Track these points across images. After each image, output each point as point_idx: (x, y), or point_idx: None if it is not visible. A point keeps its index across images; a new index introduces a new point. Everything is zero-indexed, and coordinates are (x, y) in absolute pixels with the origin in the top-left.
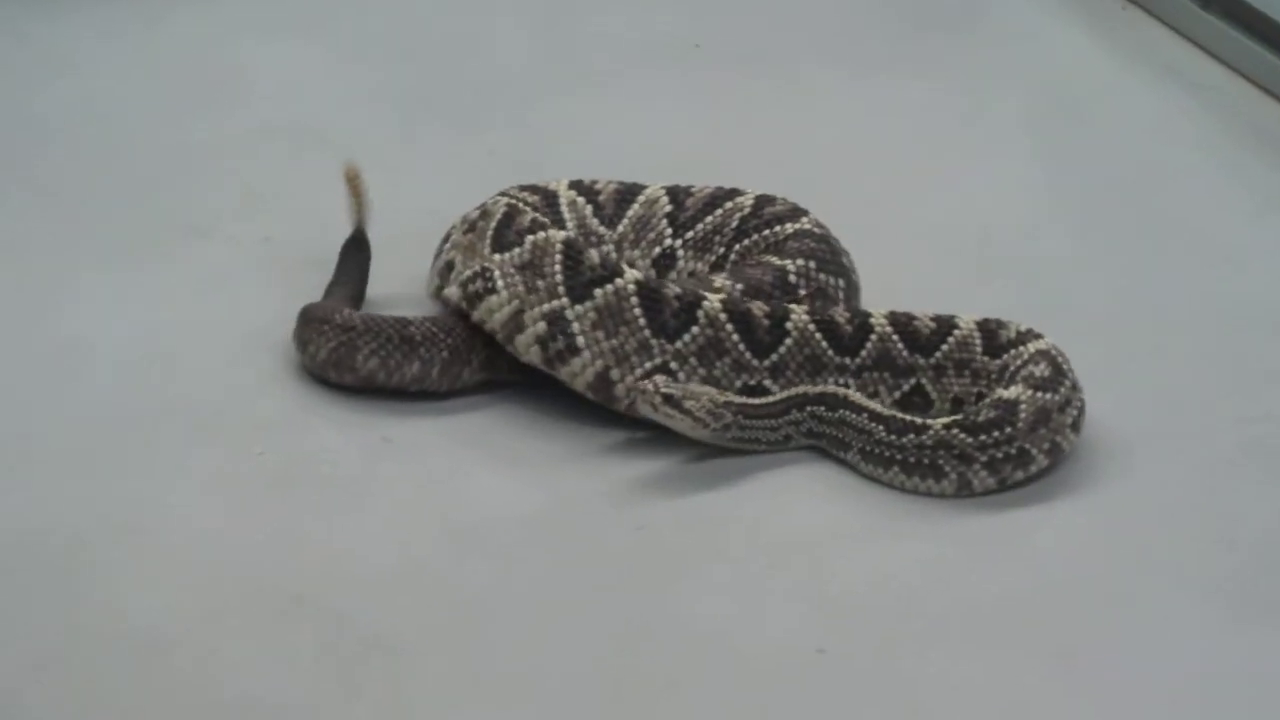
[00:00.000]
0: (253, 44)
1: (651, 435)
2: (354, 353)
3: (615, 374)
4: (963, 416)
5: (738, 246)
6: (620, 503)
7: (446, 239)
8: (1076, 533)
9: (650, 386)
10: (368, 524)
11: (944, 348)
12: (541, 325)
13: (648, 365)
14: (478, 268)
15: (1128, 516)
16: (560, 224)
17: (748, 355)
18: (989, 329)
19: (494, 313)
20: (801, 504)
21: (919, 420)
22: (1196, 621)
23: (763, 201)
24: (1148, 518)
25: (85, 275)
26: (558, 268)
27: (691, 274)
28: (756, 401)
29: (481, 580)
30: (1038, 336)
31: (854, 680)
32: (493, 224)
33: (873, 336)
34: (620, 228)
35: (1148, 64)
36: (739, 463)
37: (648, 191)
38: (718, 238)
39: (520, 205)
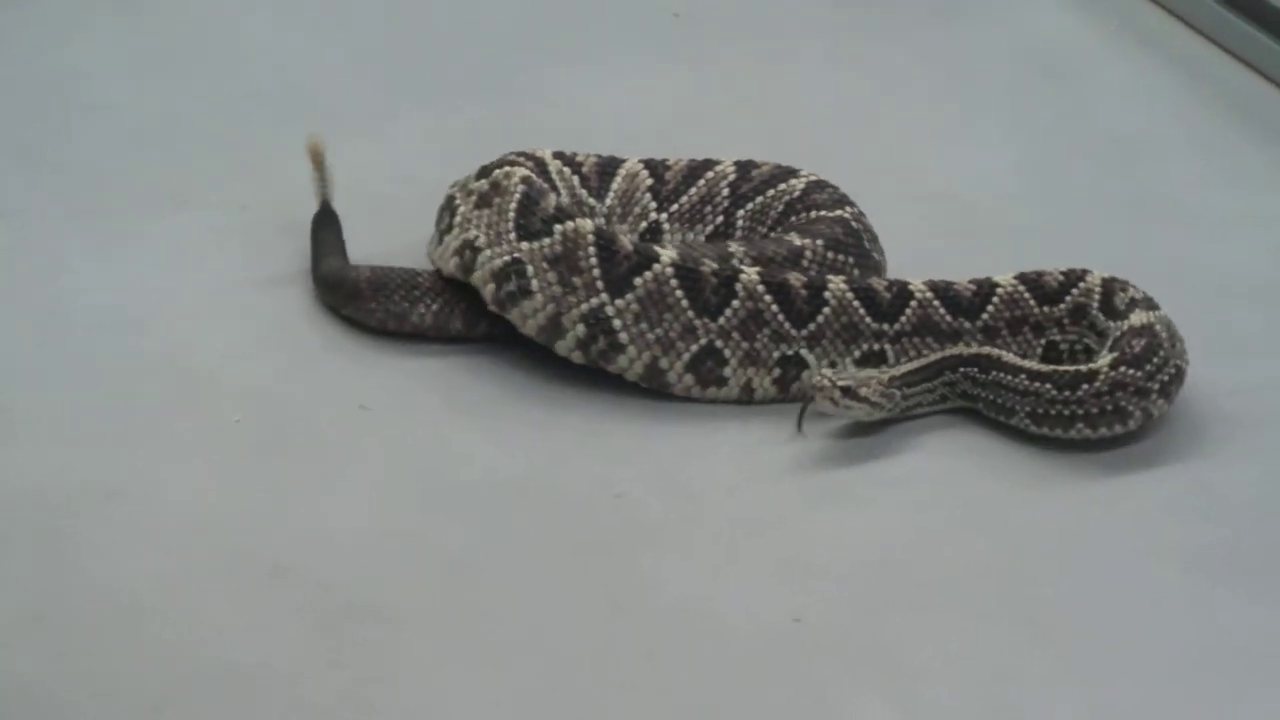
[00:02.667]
0: (235, 11)
1: (631, 399)
2: (452, 311)
3: (664, 363)
4: (1118, 354)
5: (741, 212)
6: (599, 469)
7: (451, 211)
8: (1056, 503)
9: (827, 383)
10: (346, 491)
11: (990, 309)
12: (580, 328)
13: (694, 348)
14: (508, 257)
15: (1107, 487)
16: (555, 193)
17: (787, 325)
18: (1031, 280)
19: (529, 318)
20: (779, 473)
21: (1081, 369)
22: (1177, 592)
23: (746, 166)
24: (1127, 488)
25: (65, 242)
26: (594, 260)
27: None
28: (912, 368)
29: (461, 547)
30: (1087, 271)
31: (831, 649)
32: (512, 204)
33: (912, 303)
34: (608, 201)
35: (1128, 35)
36: (718, 430)
37: (626, 165)
38: (709, 208)
39: (535, 180)
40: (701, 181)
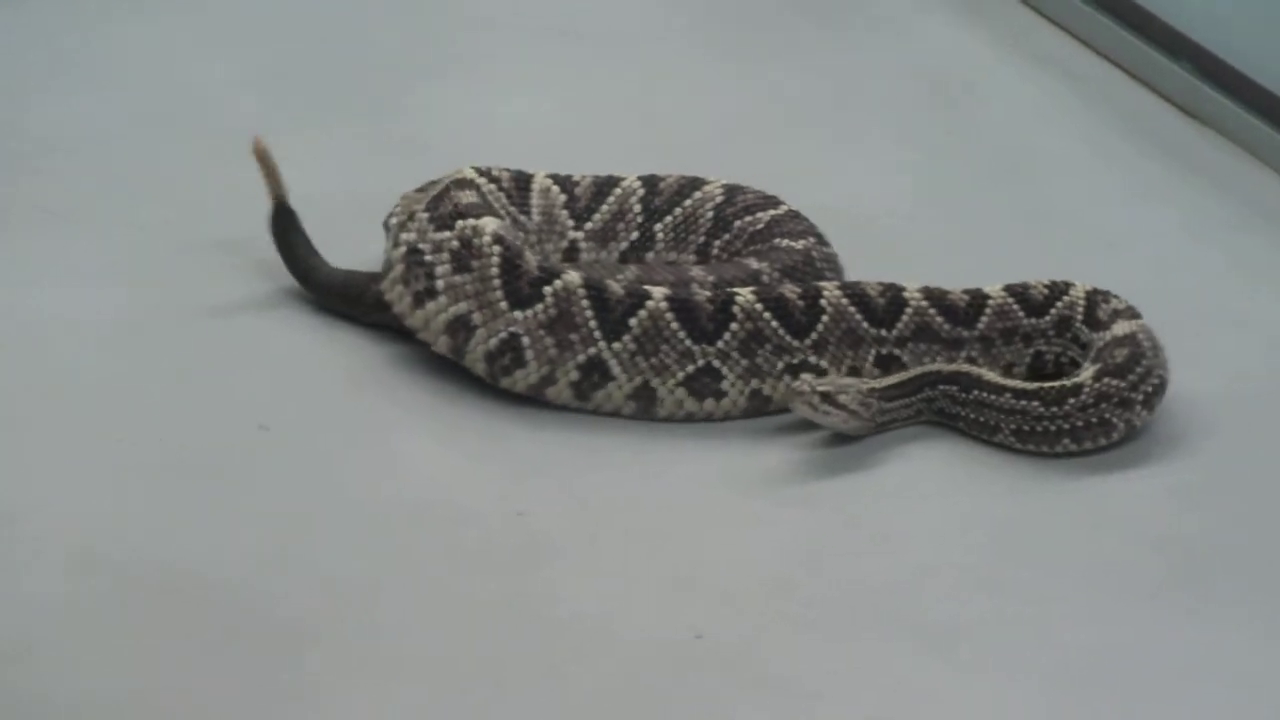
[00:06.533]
0: (123, 25)
1: (535, 409)
2: None
3: (655, 382)
4: (1101, 365)
5: (659, 226)
6: (500, 485)
7: (426, 270)
8: (951, 517)
9: (806, 388)
10: (244, 512)
11: (984, 320)
12: (574, 374)
13: (690, 369)
14: (505, 334)
15: (1002, 501)
16: (495, 215)
17: (789, 339)
18: (1018, 291)
19: (520, 382)
20: (679, 489)
21: (1066, 383)
22: (1073, 604)
23: (652, 181)
24: (1022, 501)
25: None
26: (589, 314)
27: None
28: (891, 382)
29: (362, 566)
30: (1070, 284)
31: (732, 664)
32: (493, 269)
33: (908, 310)
34: (535, 218)
35: (1022, 52)
36: (616, 447)
37: (538, 180)
38: (621, 225)
39: (506, 237)
40: (611, 198)
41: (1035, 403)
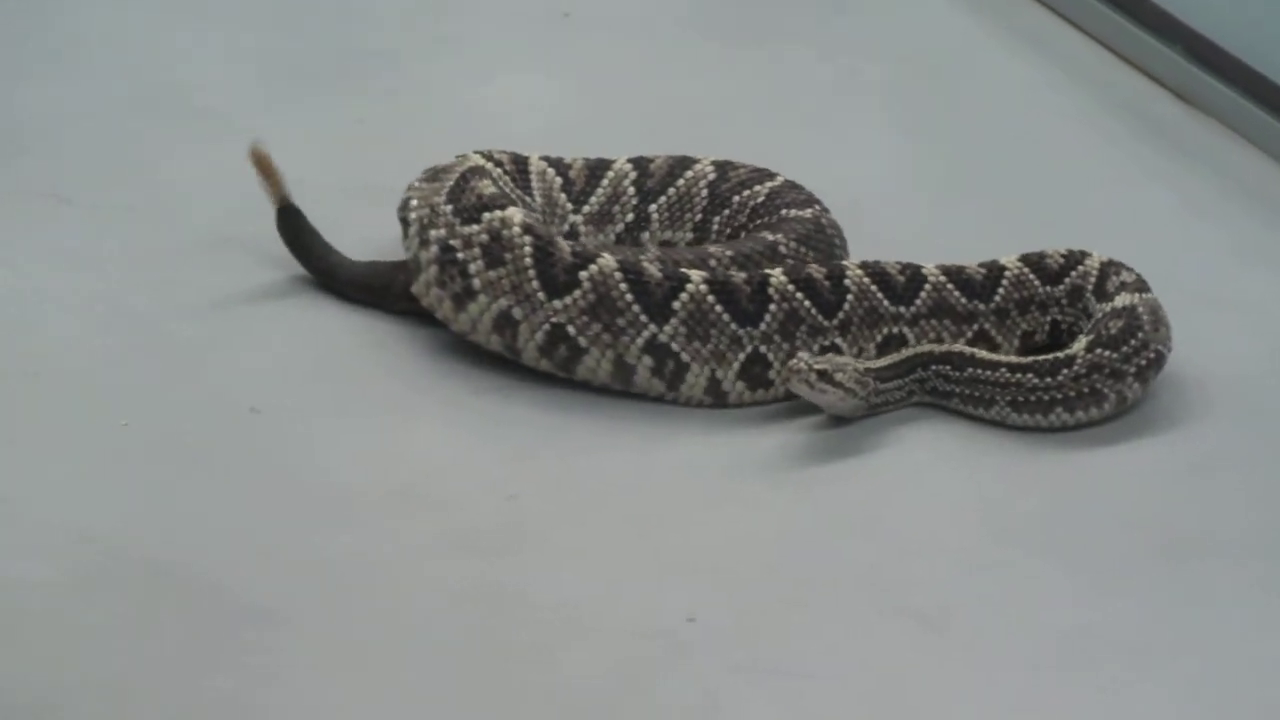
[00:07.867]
0: (114, 9)
1: (529, 390)
2: None
3: (719, 374)
4: (1095, 336)
5: (654, 207)
6: (490, 470)
7: (460, 270)
8: (943, 499)
9: (803, 365)
10: (236, 495)
11: (1001, 291)
12: (647, 359)
13: (741, 357)
14: (547, 325)
15: (995, 482)
16: (514, 203)
17: (820, 319)
18: (1033, 261)
19: (595, 371)
20: (673, 472)
21: (1059, 355)
22: (1064, 584)
23: (642, 162)
24: (1016, 483)
25: None
26: (630, 298)
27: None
28: (885, 363)
29: (351, 550)
30: (1087, 254)
31: (724, 648)
32: (526, 259)
33: (927, 286)
34: (538, 200)
35: (1014, 34)
36: (605, 430)
37: (534, 163)
38: (616, 207)
39: (536, 225)
40: (605, 181)
41: (1030, 375)
